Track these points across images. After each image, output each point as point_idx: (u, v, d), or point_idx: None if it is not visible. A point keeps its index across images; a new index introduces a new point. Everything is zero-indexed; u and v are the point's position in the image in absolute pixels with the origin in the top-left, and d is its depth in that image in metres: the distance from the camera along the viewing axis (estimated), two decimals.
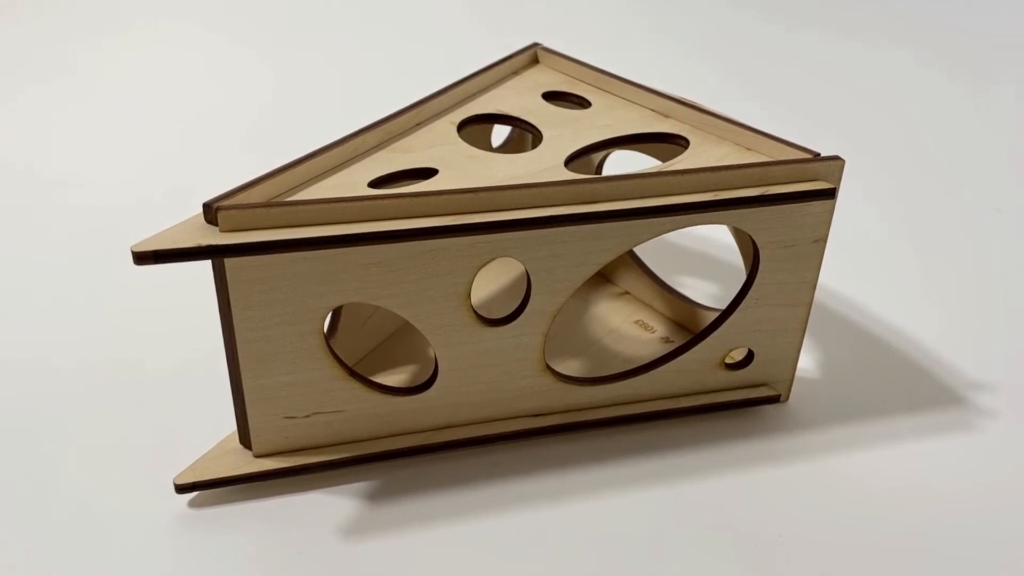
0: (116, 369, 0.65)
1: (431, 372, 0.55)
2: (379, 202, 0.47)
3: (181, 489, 0.53)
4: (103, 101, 1.10)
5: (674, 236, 0.81)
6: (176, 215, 0.48)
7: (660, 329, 0.69)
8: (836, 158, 0.54)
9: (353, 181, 0.52)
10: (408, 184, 0.53)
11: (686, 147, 0.59)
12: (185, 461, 0.53)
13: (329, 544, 0.51)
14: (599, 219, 0.51)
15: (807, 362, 0.67)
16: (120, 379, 0.64)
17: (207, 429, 0.55)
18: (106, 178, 0.94)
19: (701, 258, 0.82)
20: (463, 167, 0.55)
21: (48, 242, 0.82)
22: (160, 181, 0.93)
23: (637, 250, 0.71)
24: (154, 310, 0.71)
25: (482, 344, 0.54)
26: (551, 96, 0.67)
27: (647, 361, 0.59)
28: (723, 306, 0.59)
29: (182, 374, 0.64)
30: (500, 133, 0.75)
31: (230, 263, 0.47)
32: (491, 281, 0.71)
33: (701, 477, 0.57)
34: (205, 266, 0.48)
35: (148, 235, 0.45)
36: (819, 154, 0.55)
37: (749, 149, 0.59)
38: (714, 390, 0.61)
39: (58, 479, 0.55)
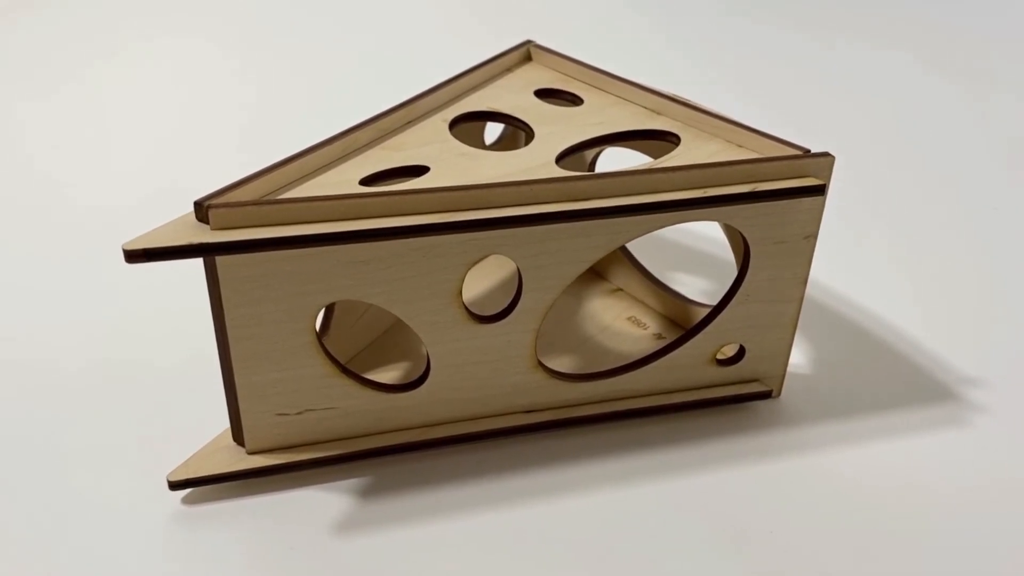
0: (108, 367, 0.65)
1: (423, 369, 0.55)
2: (370, 200, 0.48)
3: (174, 486, 0.53)
4: (95, 102, 1.10)
5: (666, 232, 0.82)
6: (168, 214, 0.48)
7: (652, 325, 0.69)
8: (826, 154, 0.54)
9: (344, 179, 0.53)
10: (400, 182, 0.53)
11: (677, 144, 0.59)
12: (178, 458, 0.54)
13: (322, 540, 0.51)
14: (591, 216, 0.51)
15: (799, 358, 0.67)
16: (113, 377, 0.64)
17: (200, 426, 0.56)
18: (98, 178, 0.94)
19: (693, 254, 0.83)
20: (455, 165, 0.55)
21: (41, 242, 0.82)
22: (152, 180, 0.93)
23: (629, 246, 0.72)
24: (146, 309, 0.71)
25: (474, 341, 0.54)
26: (543, 93, 0.67)
27: (639, 357, 0.60)
28: (715, 302, 0.59)
29: (175, 372, 0.64)
30: (492, 131, 0.75)
31: (221, 261, 0.47)
32: (483, 278, 0.72)
33: (693, 473, 0.57)
34: (197, 264, 0.48)
35: (139, 234, 0.45)
36: (809, 150, 0.56)
37: (740, 146, 0.59)
38: (706, 386, 0.61)
39: (51, 477, 0.55)
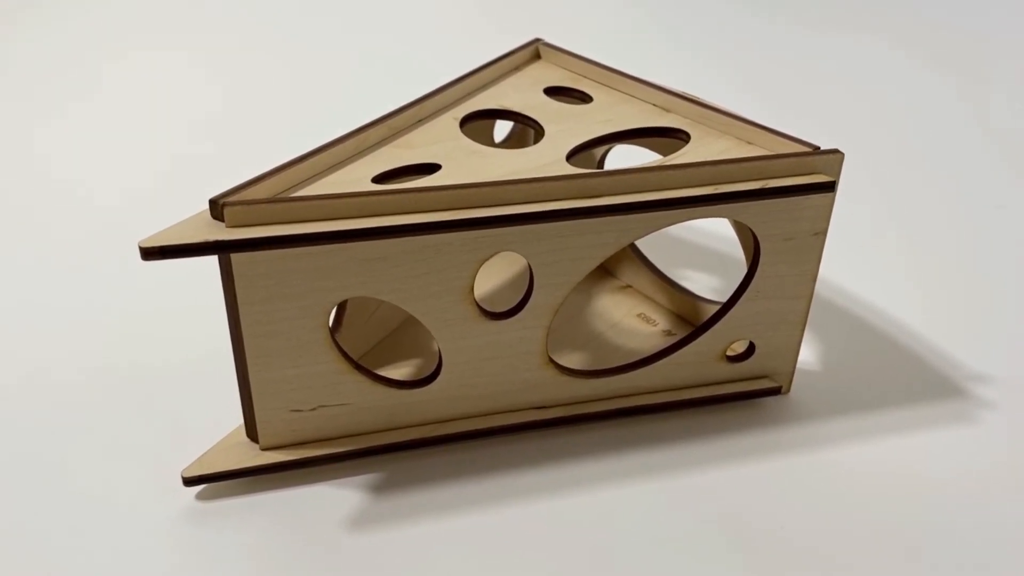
0: (124, 364, 0.65)
1: (435, 365, 0.55)
2: (383, 198, 0.48)
3: (189, 482, 0.53)
4: (108, 101, 1.10)
5: (675, 229, 0.82)
6: (182, 212, 0.49)
7: (662, 322, 0.69)
8: (836, 151, 0.55)
9: (357, 177, 0.53)
10: (411, 180, 0.53)
11: (687, 141, 0.60)
12: (192, 454, 0.54)
13: (335, 536, 0.52)
14: (601, 213, 0.51)
15: (808, 354, 0.67)
16: (128, 374, 0.64)
17: (214, 423, 0.56)
18: (113, 176, 0.94)
19: (702, 251, 0.83)
20: (465, 162, 0.55)
21: (54, 240, 0.82)
22: (166, 178, 0.93)
23: (639, 243, 0.72)
24: (161, 305, 0.72)
25: (485, 338, 0.54)
26: (553, 91, 0.67)
27: (649, 354, 0.60)
28: (724, 299, 0.60)
29: (189, 368, 0.64)
30: (502, 128, 0.75)
31: (236, 258, 0.48)
32: (494, 275, 0.72)
33: (702, 469, 0.57)
34: (212, 261, 0.48)
35: (155, 231, 0.45)
36: (819, 148, 0.56)
37: (749, 143, 0.59)
38: (715, 382, 0.61)
39: (67, 473, 0.56)
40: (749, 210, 0.55)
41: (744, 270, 0.59)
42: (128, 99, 1.11)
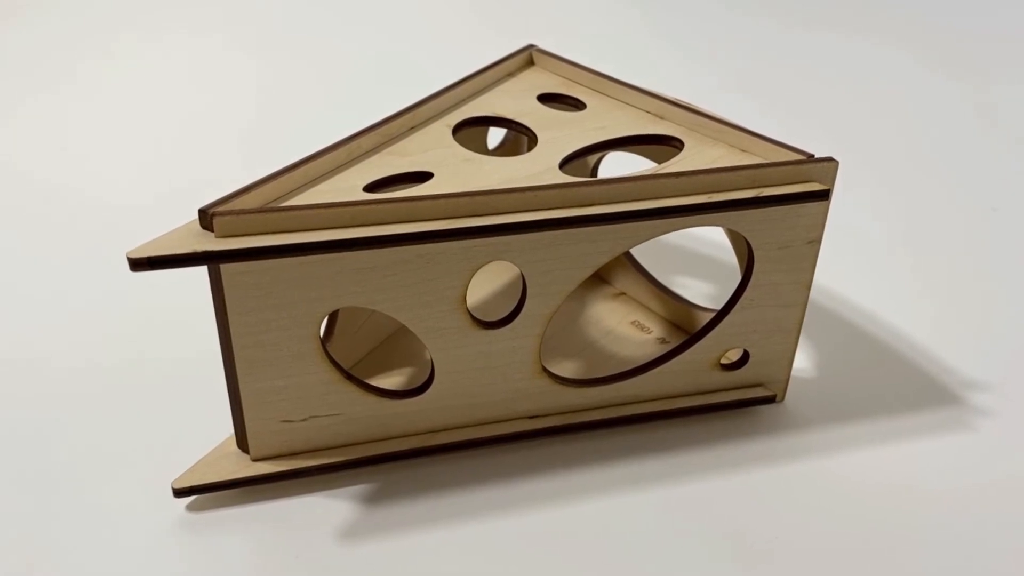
0: (113, 373, 0.65)
1: (427, 375, 0.55)
2: (374, 206, 0.48)
3: (179, 493, 0.53)
4: (99, 106, 1.10)
5: (670, 237, 0.81)
6: (172, 220, 0.48)
7: (656, 330, 0.69)
8: (830, 159, 0.54)
9: (348, 185, 0.53)
10: (403, 188, 0.53)
11: (681, 149, 0.59)
12: (183, 465, 0.54)
13: (327, 547, 0.51)
14: (594, 222, 0.51)
15: (803, 362, 0.67)
16: (117, 383, 0.64)
17: (205, 433, 0.55)
18: (102, 182, 0.94)
19: (697, 258, 0.83)
20: (458, 170, 0.55)
21: (44, 246, 0.82)
22: (155, 185, 0.93)
23: (633, 251, 0.72)
24: (150, 314, 0.71)
25: (478, 347, 0.54)
26: (546, 98, 0.67)
27: (643, 362, 0.60)
28: (719, 307, 0.59)
29: (179, 378, 0.64)
30: (495, 135, 0.75)
31: (226, 269, 0.47)
32: (487, 284, 0.72)
33: (697, 478, 0.57)
34: (201, 270, 0.48)
35: (143, 239, 0.45)
36: (813, 155, 0.56)
37: (743, 151, 0.59)
38: (710, 391, 0.61)
39: (55, 483, 0.55)
40: (743, 218, 0.54)
41: (738, 277, 0.58)
42: (121, 105, 1.10)
